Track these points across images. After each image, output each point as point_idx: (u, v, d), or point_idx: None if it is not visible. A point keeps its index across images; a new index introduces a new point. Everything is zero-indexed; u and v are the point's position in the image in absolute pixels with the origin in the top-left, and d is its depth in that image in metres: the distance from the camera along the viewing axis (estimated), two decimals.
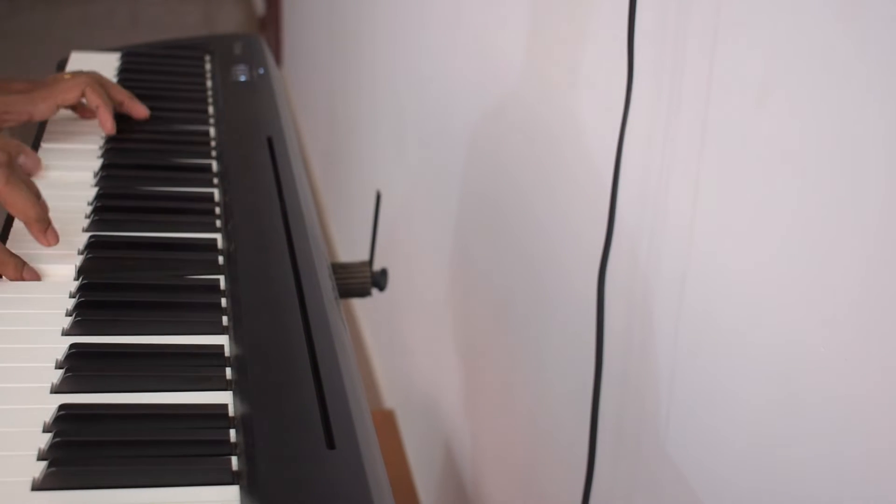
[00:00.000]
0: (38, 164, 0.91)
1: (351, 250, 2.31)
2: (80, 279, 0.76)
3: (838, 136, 0.59)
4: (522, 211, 1.13)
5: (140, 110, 1.03)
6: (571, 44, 0.96)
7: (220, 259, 0.81)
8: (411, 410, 1.76)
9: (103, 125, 0.99)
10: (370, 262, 1.15)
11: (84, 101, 1.01)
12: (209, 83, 1.16)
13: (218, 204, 0.90)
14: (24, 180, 0.79)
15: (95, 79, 1.00)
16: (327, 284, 0.77)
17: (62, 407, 0.62)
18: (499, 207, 1.22)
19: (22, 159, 0.88)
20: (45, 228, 0.79)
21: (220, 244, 0.83)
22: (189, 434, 0.62)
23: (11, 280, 0.76)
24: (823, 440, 0.62)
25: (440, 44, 1.46)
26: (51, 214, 0.80)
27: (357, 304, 2.26)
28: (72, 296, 0.74)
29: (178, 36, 1.36)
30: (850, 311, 0.58)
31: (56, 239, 0.79)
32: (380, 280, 1.15)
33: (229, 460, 0.59)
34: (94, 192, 0.90)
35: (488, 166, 1.25)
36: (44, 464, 0.57)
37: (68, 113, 1.04)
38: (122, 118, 1.03)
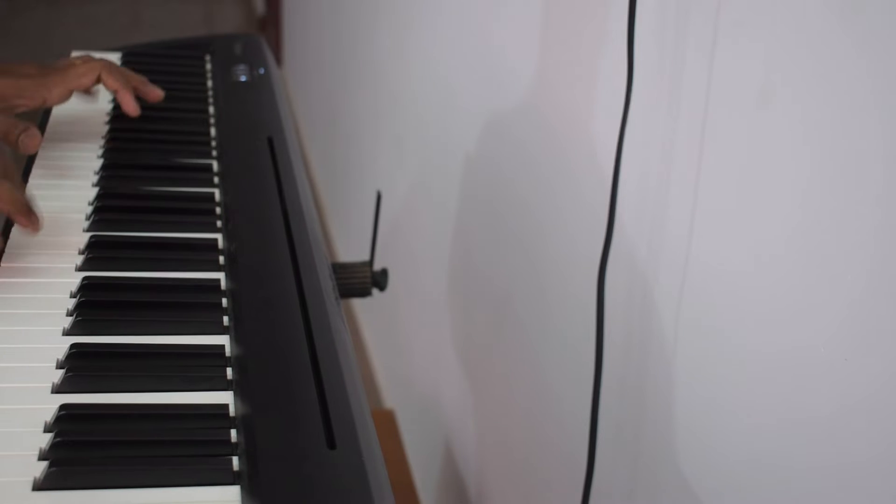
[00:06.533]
0: (36, 141, 0.87)
1: (351, 250, 2.31)
2: (81, 279, 0.76)
3: (838, 136, 0.59)
4: (522, 211, 1.13)
5: (155, 93, 1.03)
6: (572, 43, 0.96)
7: (221, 259, 0.81)
8: (411, 410, 1.76)
9: (126, 107, 0.99)
10: (370, 261, 1.15)
11: (98, 86, 1.00)
12: (209, 83, 1.16)
13: (218, 204, 0.90)
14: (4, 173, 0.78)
15: (110, 63, 1.00)
16: (327, 284, 0.77)
17: (63, 407, 0.62)
18: (499, 207, 1.22)
19: (22, 137, 0.86)
20: (27, 212, 0.78)
21: (220, 244, 0.83)
22: (190, 434, 0.62)
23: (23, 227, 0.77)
24: (823, 440, 0.62)
25: (441, 44, 1.46)
26: (51, 214, 0.80)
27: (357, 304, 2.26)
28: (72, 295, 0.74)
29: (178, 36, 1.36)
30: (851, 311, 0.58)
31: (39, 222, 0.78)
32: (380, 280, 1.15)
33: (230, 460, 0.59)
34: (94, 192, 0.90)
35: (488, 166, 1.25)
36: (44, 464, 0.57)
37: (69, 111, 1.04)
38: (120, 116, 1.03)
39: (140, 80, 1.02)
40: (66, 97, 0.97)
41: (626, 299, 0.87)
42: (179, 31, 4.06)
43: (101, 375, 0.66)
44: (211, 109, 1.09)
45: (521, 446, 1.19)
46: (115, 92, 0.99)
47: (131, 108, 0.99)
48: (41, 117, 1.04)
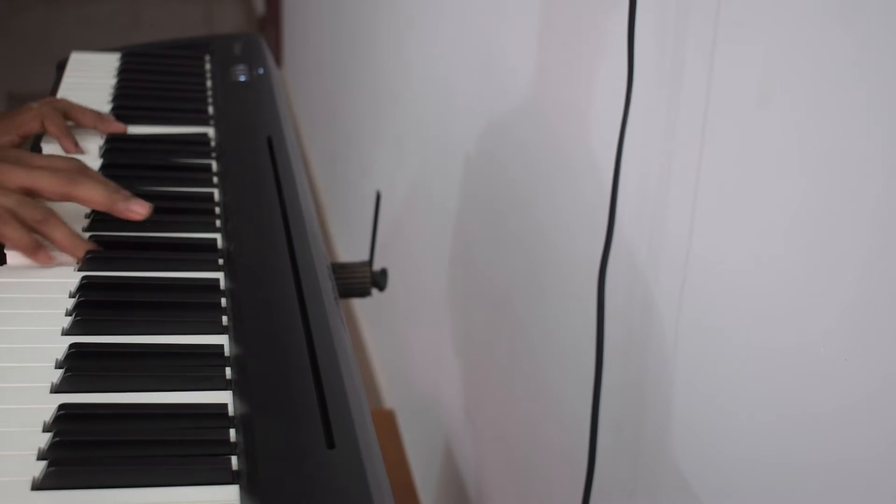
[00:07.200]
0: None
1: (351, 250, 2.31)
2: (80, 279, 0.76)
3: (838, 136, 0.59)
4: (522, 211, 1.13)
5: (116, 127, 1.00)
6: (572, 43, 0.96)
7: (220, 259, 0.81)
8: (411, 410, 1.76)
9: (67, 150, 0.96)
10: (370, 261, 1.15)
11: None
12: (209, 83, 1.16)
13: (218, 204, 0.90)
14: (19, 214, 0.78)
15: (55, 107, 0.98)
16: (327, 284, 0.77)
17: (62, 406, 0.62)
18: (499, 207, 1.22)
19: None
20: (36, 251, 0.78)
21: (219, 244, 0.83)
22: (189, 434, 0.61)
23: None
24: (824, 439, 0.62)
25: (441, 44, 1.46)
26: None
27: (357, 304, 2.26)
28: (71, 295, 0.74)
29: (178, 36, 1.36)
30: (850, 311, 0.58)
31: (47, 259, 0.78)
32: (380, 280, 1.15)
33: (229, 460, 0.59)
34: None
35: (488, 166, 1.25)
36: (43, 463, 0.57)
37: None
38: (120, 116, 1.03)
39: (96, 118, 0.99)
40: (16, 144, 0.96)
41: (626, 299, 0.87)
42: (179, 31, 4.06)
43: (100, 375, 0.66)
44: (210, 109, 1.09)
45: (521, 446, 1.19)
46: (57, 139, 0.96)
47: (71, 149, 0.97)
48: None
